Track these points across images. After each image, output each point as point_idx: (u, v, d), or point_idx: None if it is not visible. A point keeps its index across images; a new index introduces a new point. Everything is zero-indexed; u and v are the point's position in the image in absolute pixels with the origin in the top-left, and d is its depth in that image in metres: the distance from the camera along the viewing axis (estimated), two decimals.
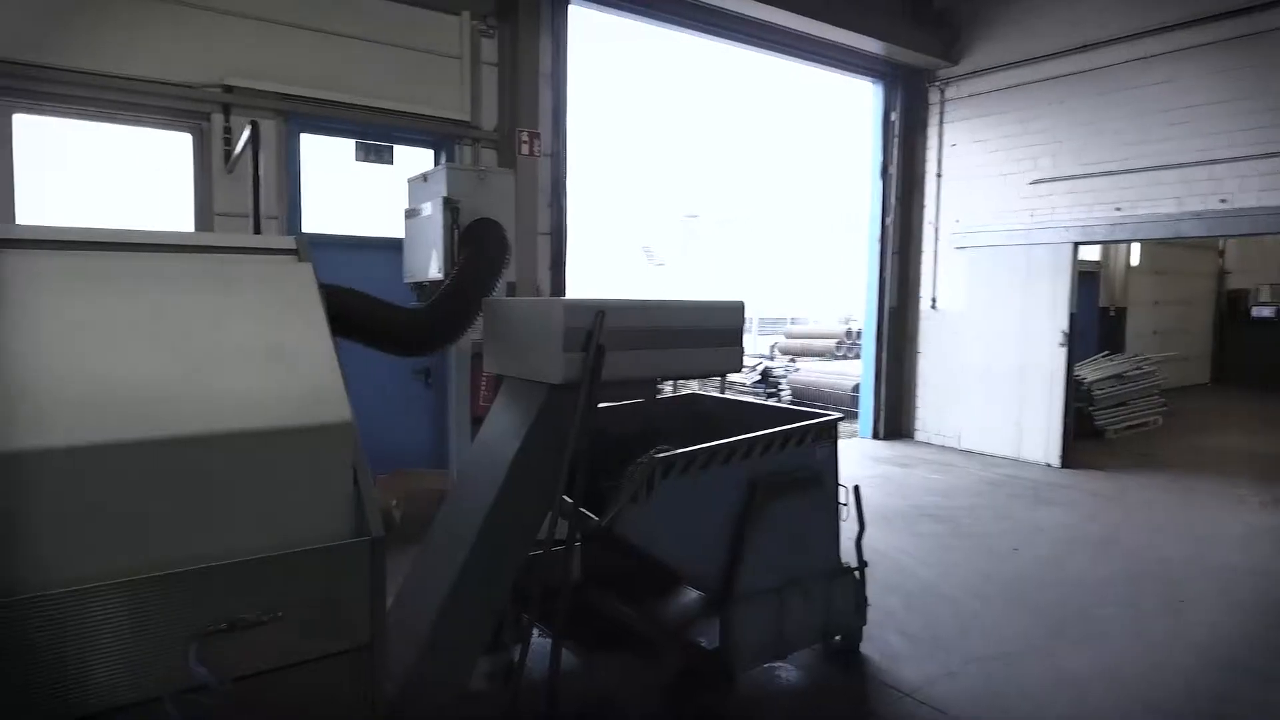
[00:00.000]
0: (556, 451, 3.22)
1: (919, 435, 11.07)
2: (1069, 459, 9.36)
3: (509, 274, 4.49)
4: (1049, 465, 9.39)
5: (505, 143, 7.32)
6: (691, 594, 4.29)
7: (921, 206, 10.99)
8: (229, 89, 5.93)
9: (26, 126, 5.38)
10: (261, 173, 5.07)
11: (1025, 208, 9.75)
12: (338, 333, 2.91)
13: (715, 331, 3.60)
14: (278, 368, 2.54)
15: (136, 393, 2.26)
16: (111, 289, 2.50)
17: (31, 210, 5.34)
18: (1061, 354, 9.38)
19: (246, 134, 5.07)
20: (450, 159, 7.07)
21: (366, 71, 6.56)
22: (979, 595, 5.31)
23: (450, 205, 4.59)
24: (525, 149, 7.30)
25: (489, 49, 7.26)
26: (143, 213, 5.87)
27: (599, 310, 3.15)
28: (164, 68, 5.69)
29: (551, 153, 7.61)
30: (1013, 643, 4.58)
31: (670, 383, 8.55)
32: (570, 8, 7.67)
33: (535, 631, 3.62)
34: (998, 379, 10.00)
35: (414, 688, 3.06)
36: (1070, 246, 9.26)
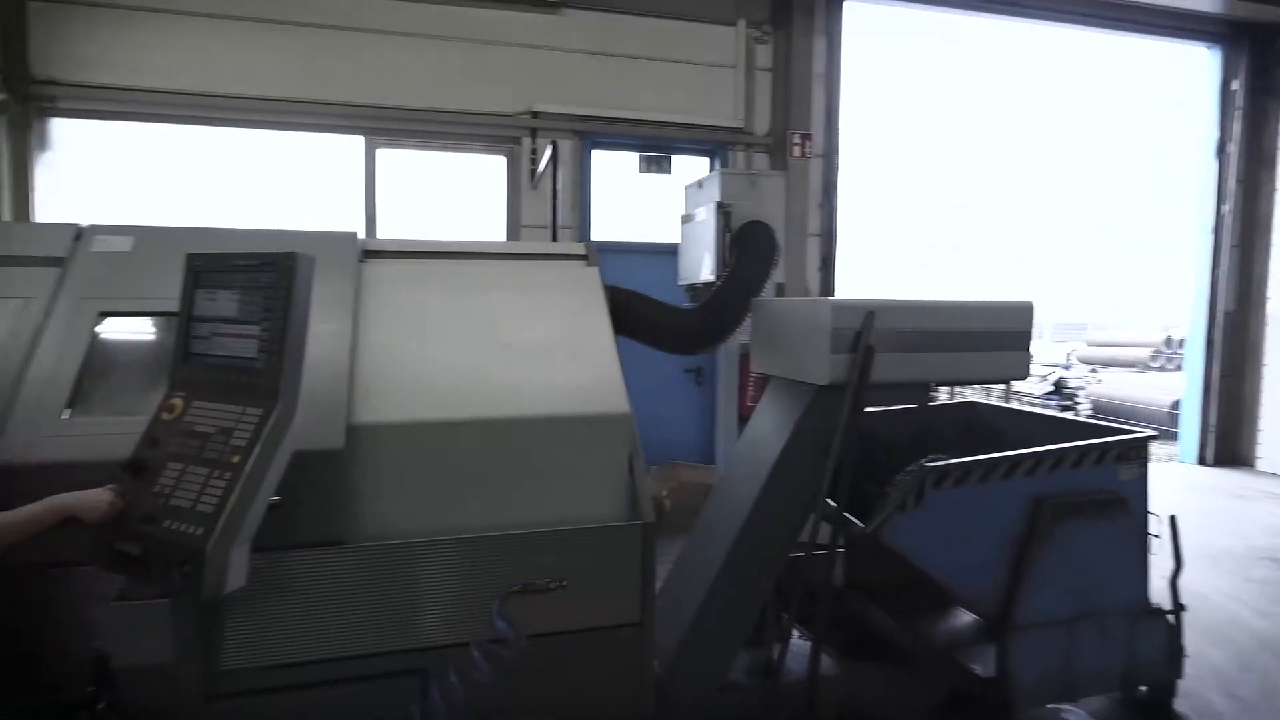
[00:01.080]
0: (821, 454, 3.20)
1: (1261, 464, 9.21)
2: None
3: (778, 275, 4.53)
4: None
5: (777, 146, 7.36)
6: (963, 614, 4.00)
7: (1272, 190, 9.13)
8: (535, 115, 6.67)
9: (386, 158, 6.52)
10: (559, 187, 5.64)
11: None
12: (619, 331, 3.15)
13: (998, 335, 3.33)
14: (567, 361, 2.83)
15: (456, 378, 2.66)
16: (441, 290, 2.96)
17: (385, 226, 6.46)
18: None
19: (548, 153, 5.68)
20: (724, 165, 7.27)
21: (648, 88, 6.98)
22: None
23: (723, 209, 4.73)
24: (797, 151, 7.28)
25: (763, 55, 7.36)
26: (466, 226, 6.80)
27: (869, 311, 3.07)
28: (486, 101, 6.57)
29: (823, 153, 7.51)
30: None
31: (946, 389, 8.01)
32: (845, 5, 7.51)
33: (795, 632, 3.62)
34: None
35: (678, 670, 3.21)
36: None
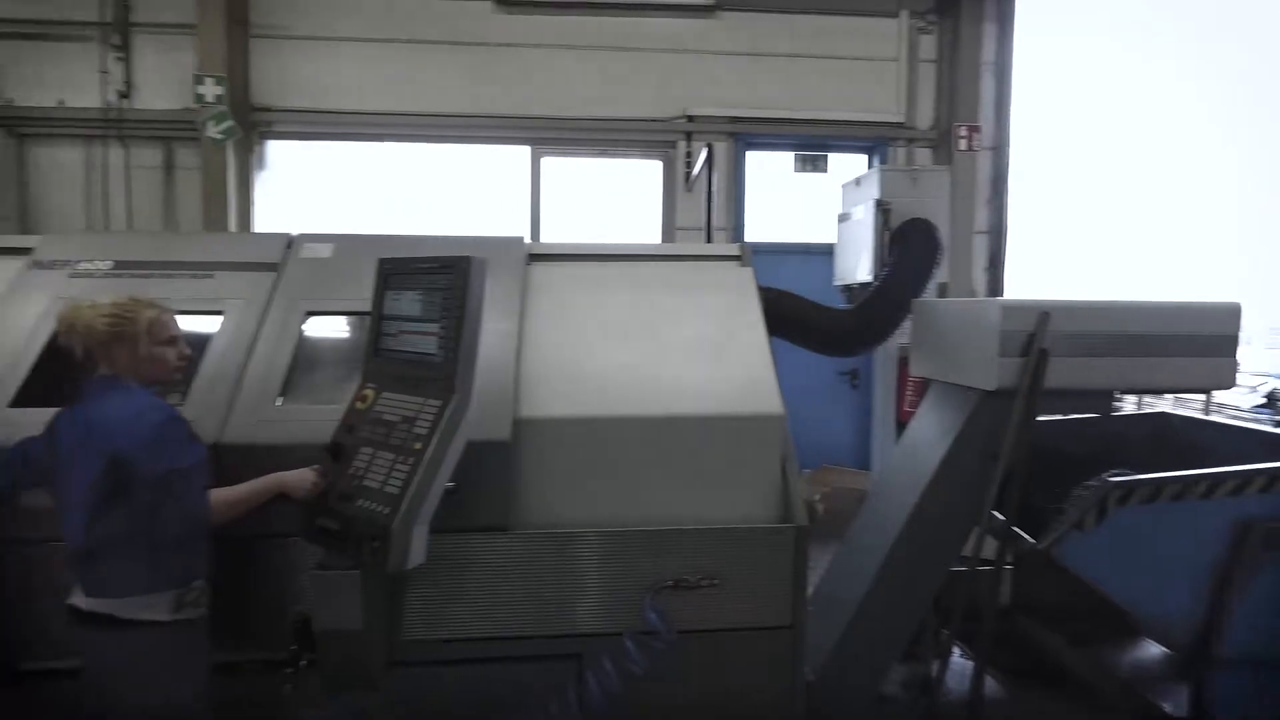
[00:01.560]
0: (986, 463, 3.03)
1: None
2: None
3: (940, 274, 4.33)
4: None
5: (941, 140, 7.03)
6: (1149, 644, 3.65)
7: None
8: (690, 118, 6.76)
9: (549, 166, 6.85)
10: (714, 189, 5.68)
11: None
12: (772, 332, 3.14)
13: (1197, 339, 3.02)
14: (721, 361, 2.86)
15: (615, 376, 2.76)
16: (601, 291, 3.07)
17: (548, 230, 6.78)
18: None
19: (703, 156, 5.74)
20: (883, 162, 7.04)
21: (805, 86, 6.88)
22: None
23: (882, 207, 4.59)
24: (963, 144, 6.92)
25: (927, 46, 7.05)
26: (624, 229, 6.99)
27: (1043, 312, 2.87)
28: (643, 107, 6.74)
29: (993, 146, 7.09)
30: None
31: (1133, 398, 7.33)
32: None
33: (956, 650, 3.45)
34: None
35: (831, 679, 3.15)
36: None
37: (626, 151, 6.94)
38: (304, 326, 2.77)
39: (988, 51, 7.01)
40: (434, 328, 2.26)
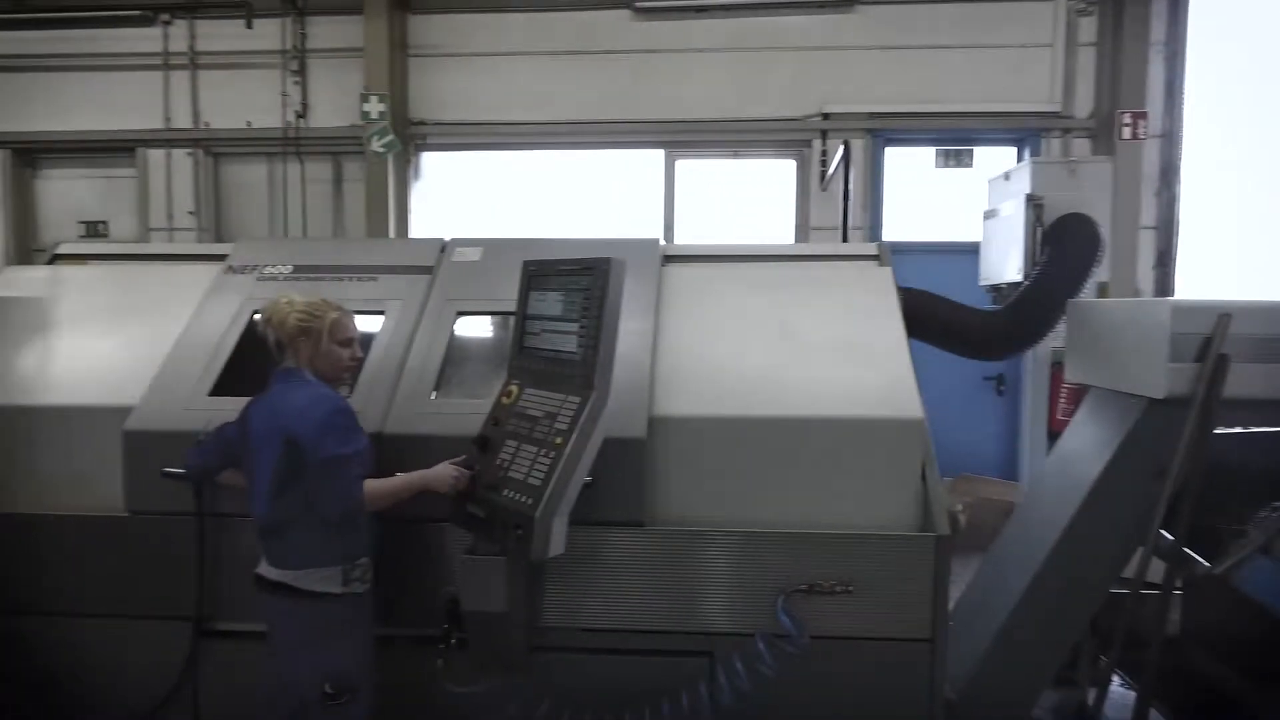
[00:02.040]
0: (1151, 477, 2.80)
1: None
2: None
3: (1100, 273, 4.04)
4: None
5: (1102, 129, 6.54)
6: None
7: None
8: (826, 116, 6.64)
9: (682, 169, 6.93)
10: (850, 187, 5.56)
11: None
12: (912, 333, 3.04)
13: None
14: (858, 363, 2.80)
15: (749, 377, 2.76)
16: (735, 292, 3.09)
17: (681, 232, 6.86)
18: None
19: (839, 154, 5.63)
20: (1034, 154, 6.63)
21: (948, 78, 6.60)
22: None
23: (1033, 202, 4.32)
24: (1126, 133, 6.40)
25: (1086, 28, 6.58)
26: (756, 230, 6.95)
27: (1222, 313, 2.63)
28: (777, 107, 6.69)
29: (1162, 134, 6.52)
30: None
31: None
32: None
33: (1116, 679, 3.22)
34: None
35: (973, 697, 3.01)
36: None
37: (760, 152, 6.90)
38: (455, 326, 2.96)
39: (1156, 32, 6.46)
40: (574, 327, 2.35)
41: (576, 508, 2.26)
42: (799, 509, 2.62)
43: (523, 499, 2.20)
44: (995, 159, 6.77)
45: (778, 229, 6.92)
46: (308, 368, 2.35)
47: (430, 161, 7.05)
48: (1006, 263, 4.58)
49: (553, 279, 2.47)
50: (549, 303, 2.47)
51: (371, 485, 2.27)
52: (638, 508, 2.57)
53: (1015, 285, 4.30)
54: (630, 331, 2.73)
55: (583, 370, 2.29)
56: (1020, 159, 6.70)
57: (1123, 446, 2.89)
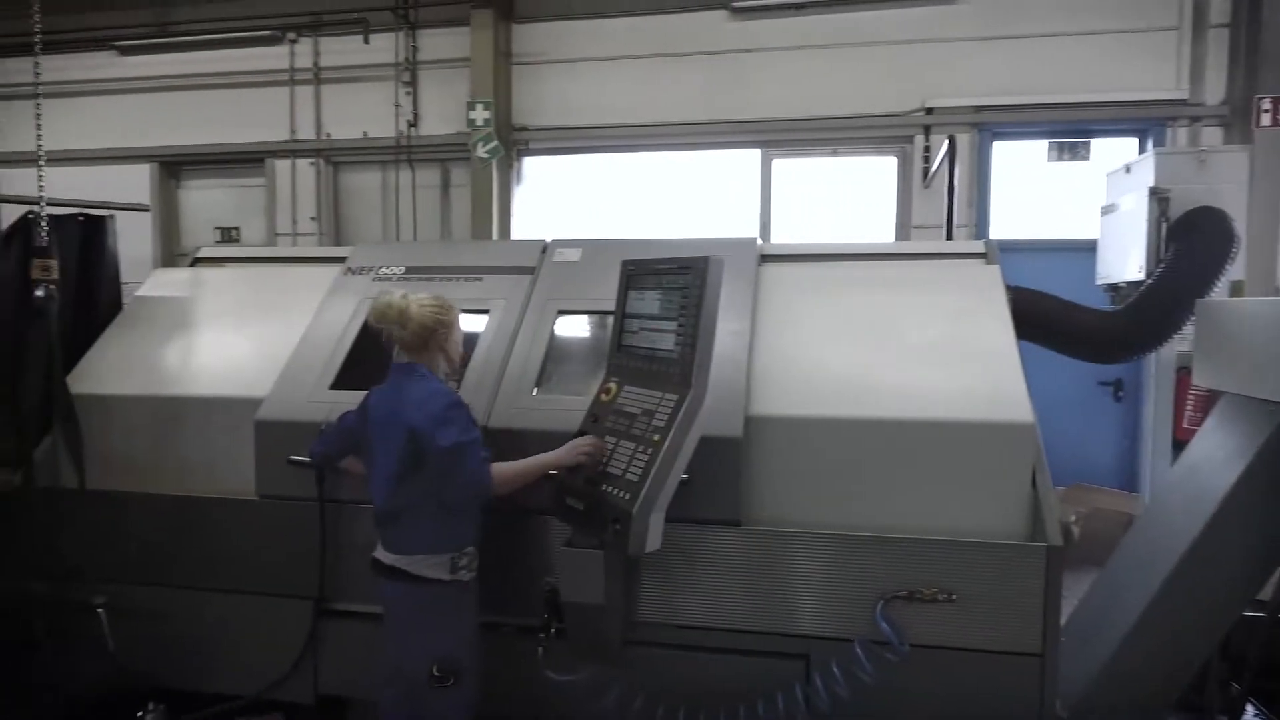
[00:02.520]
0: None
1: None
2: None
3: (1234, 271, 3.77)
4: None
5: (1236, 116, 6.06)
6: None
7: None
8: (929, 111, 6.44)
9: (779, 168, 6.87)
10: (955, 183, 5.37)
11: None
12: (1023, 334, 2.93)
13: None
14: (963, 364, 2.72)
15: (848, 377, 2.72)
16: (834, 291, 3.05)
17: (777, 231, 6.79)
18: None
19: (944, 149, 5.45)
20: (1158, 145, 6.22)
21: (1061, 67, 6.27)
22: None
23: (1158, 195, 4.08)
24: (1266, 120, 5.91)
25: (1219, 9, 6.12)
26: (854, 228, 6.80)
27: None
28: (877, 103, 6.53)
29: None
30: None
31: None
32: None
33: (1250, 709, 3.00)
34: None
35: (1087, 717, 2.87)
36: None
37: (860, 149, 6.75)
38: (556, 324, 3.04)
39: None
40: (672, 325, 2.38)
41: (673, 505, 2.29)
42: (898, 513, 2.56)
43: (621, 494, 2.25)
44: (1114, 151, 6.39)
45: (877, 228, 6.76)
46: (431, 362, 2.45)
47: (532, 165, 7.25)
48: (1127, 260, 4.35)
49: (651, 278, 2.51)
50: (647, 301, 2.51)
51: (500, 468, 2.33)
52: (734, 507, 2.58)
53: (1136, 284, 4.08)
54: (727, 331, 2.74)
55: (680, 368, 2.31)
56: (1142, 150, 6.30)
57: (1258, 457, 2.70)
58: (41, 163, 3.10)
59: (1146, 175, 4.23)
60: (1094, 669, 2.91)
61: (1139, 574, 3.02)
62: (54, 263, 3.01)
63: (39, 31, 3.13)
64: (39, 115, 3.14)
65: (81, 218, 3.55)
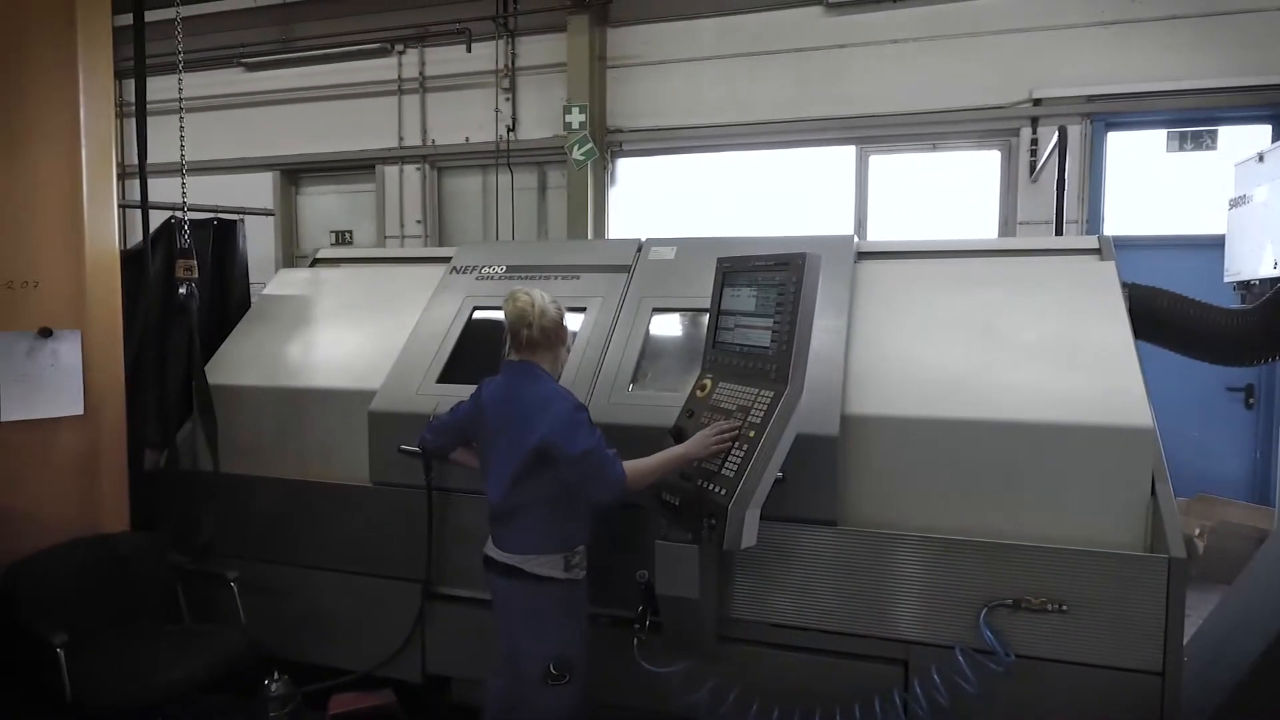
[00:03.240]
0: None
1: None
2: None
3: None
4: None
5: None
6: None
7: None
8: (1037, 102, 6.16)
9: (875, 164, 6.72)
10: (1065, 176, 5.13)
11: None
12: (1141, 334, 2.78)
13: None
14: (1074, 365, 2.60)
15: (949, 377, 2.65)
16: (934, 289, 2.97)
17: (874, 228, 6.65)
18: None
19: (1053, 142, 5.21)
20: None
21: (1181, 52, 5.87)
22: None
23: None
24: None
25: None
26: (954, 225, 6.57)
27: None
28: (979, 95, 6.29)
29: None
30: None
31: None
32: None
33: None
34: None
35: None
36: None
37: (960, 144, 6.51)
38: (651, 321, 3.08)
39: None
40: (768, 322, 2.38)
41: (769, 503, 2.28)
42: (1004, 518, 2.48)
43: (716, 489, 2.26)
44: (1243, 140, 5.93)
45: (978, 225, 6.51)
46: (549, 361, 2.45)
47: (626, 167, 7.35)
48: (1261, 255, 4.08)
49: (747, 275, 2.52)
50: (742, 298, 2.51)
51: (632, 466, 2.28)
52: (830, 506, 2.55)
53: (1271, 281, 3.81)
54: (823, 329, 2.71)
55: (776, 365, 2.31)
56: (1277, 139, 5.84)
57: None
58: (184, 171, 3.37)
59: None
60: (1220, 694, 2.74)
61: (1271, 593, 2.82)
62: (195, 263, 3.28)
63: (181, 51, 3.39)
64: (182, 129, 3.42)
65: (215, 221, 3.84)
